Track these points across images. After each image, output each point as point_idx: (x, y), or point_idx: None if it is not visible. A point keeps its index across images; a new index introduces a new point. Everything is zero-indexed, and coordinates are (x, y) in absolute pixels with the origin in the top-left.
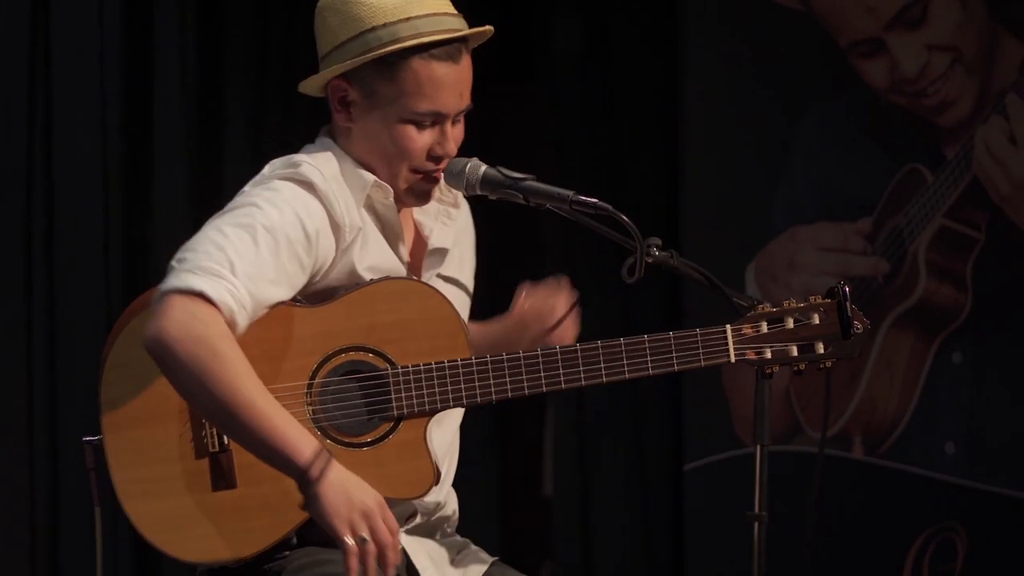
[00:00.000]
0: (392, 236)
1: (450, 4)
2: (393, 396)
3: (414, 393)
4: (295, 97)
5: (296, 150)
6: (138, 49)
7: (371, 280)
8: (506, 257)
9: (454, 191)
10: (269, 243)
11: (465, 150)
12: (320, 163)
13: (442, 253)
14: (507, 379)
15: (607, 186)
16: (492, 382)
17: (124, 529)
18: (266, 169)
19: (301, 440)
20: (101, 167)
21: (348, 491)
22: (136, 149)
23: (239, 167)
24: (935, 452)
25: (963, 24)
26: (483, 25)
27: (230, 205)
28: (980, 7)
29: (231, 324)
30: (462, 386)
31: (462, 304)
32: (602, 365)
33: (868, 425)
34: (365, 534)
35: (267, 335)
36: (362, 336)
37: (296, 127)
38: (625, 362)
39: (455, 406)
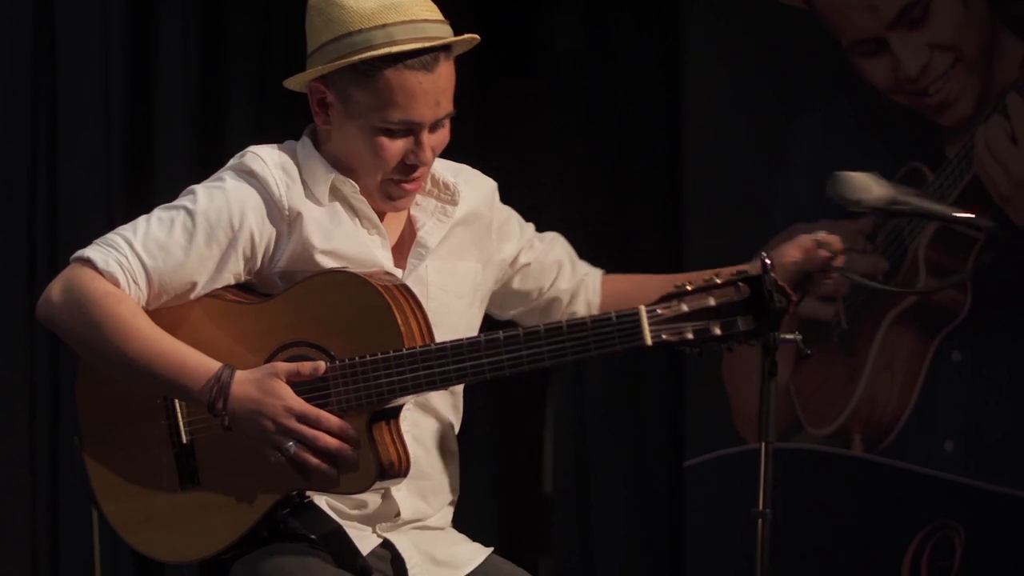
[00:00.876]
0: (369, 227)
1: (434, 10)
2: (332, 391)
3: (352, 387)
4: (298, 94)
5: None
6: (141, 45)
7: (315, 273)
8: None
9: (452, 188)
10: (186, 225)
11: (466, 147)
12: (266, 153)
13: (426, 248)
14: (435, 369)
15: (607, 184)
16: (422, 373)
17: None
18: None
19: (198, 378)
20: (104, 164)
21: (254, 411)
22: (139, 146)
23: None
24: (934, 450)
25: (965, 23)
26: (482, 26)
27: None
28: (982, 6)
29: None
30: (395, 378)
31: (463, 285)
32: (523, 351)
33: (868, 423)
34: (287, 443)
35: (215, 332)
36: (306, 330)
37: (299, 123)
38: (545, 348)
39: (390, 398)
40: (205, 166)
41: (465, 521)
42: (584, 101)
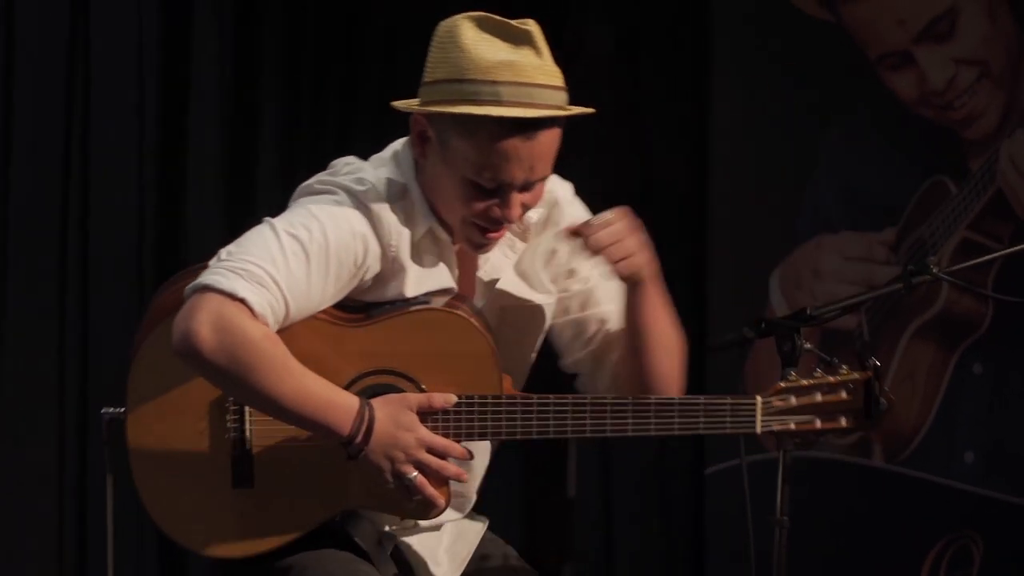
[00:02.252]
0: (448, 262)
1: (553, 76)
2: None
3: (440, 422)
4: (328, 106)
5: (326, 160)
6: (175, 61)
7: (417, 307)
8: None
9: (525, 223)
10: (320, 261)
11: None
12: (383, 186)
13: (491, 284)
14: (534, 421)
15: (635, 192)
16: (519, 421)
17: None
18: (328, 174)
19: (342, 417)
20: (137, 170)
21: (388, 445)
22: (170, 149)
23: (271, 175)
24: (954, 461)
25: (991, 38)
26: None
27: (292, 206)
28: (1009, 22)
29: None
30: (488, 421)
31: (533, 318)
32: (630, 420)
33: (888, 433)
34: (411, 474)
35: (310, 348)
36: (398, 361)
37: (328, 134)
38: (653, 420)
39: (477, 439)
40: (236, 169)
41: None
42: (612, 110)
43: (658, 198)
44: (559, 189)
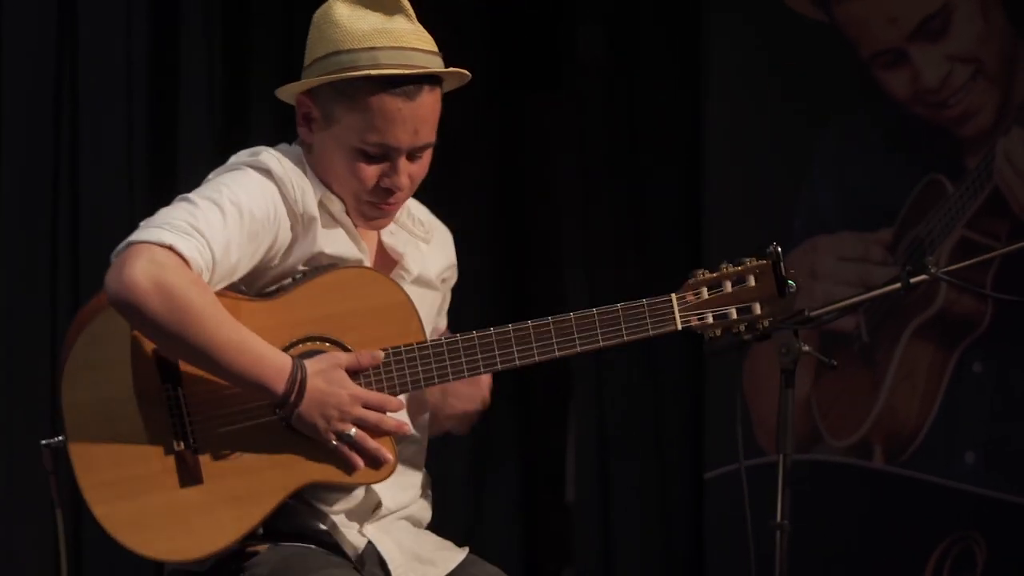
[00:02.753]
0: (349, 232)
1: (427, 41)
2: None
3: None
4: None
5: None
6: (164, 50)
7: (324, 269)
8: (524, 261)
9: (427, 225)
10: (234, 216)
11: (490, 156)
12: (281, 154)
13: (408, 272)
14: (463, 359)
15: (630, 194)
16: (448, 363)
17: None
18: (231, 159)
19: (277, 373)
20: (126, 161)
21: (321, 402)
22: (160, 143)
23: None
24: (955, 461)
25: (985, 35)
26: (506, 37)
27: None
28: (1002, 19)
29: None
30: (419, 369)
31: (429, 313)
32: (554, 340)
33: (889, 434)
34: (350, 430)
35: None
36: (319, 326)
37: None
38: (576, 336)
39: (413, 389)
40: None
41: (487, 530)
42: (606, 112)
43: (653, 198)
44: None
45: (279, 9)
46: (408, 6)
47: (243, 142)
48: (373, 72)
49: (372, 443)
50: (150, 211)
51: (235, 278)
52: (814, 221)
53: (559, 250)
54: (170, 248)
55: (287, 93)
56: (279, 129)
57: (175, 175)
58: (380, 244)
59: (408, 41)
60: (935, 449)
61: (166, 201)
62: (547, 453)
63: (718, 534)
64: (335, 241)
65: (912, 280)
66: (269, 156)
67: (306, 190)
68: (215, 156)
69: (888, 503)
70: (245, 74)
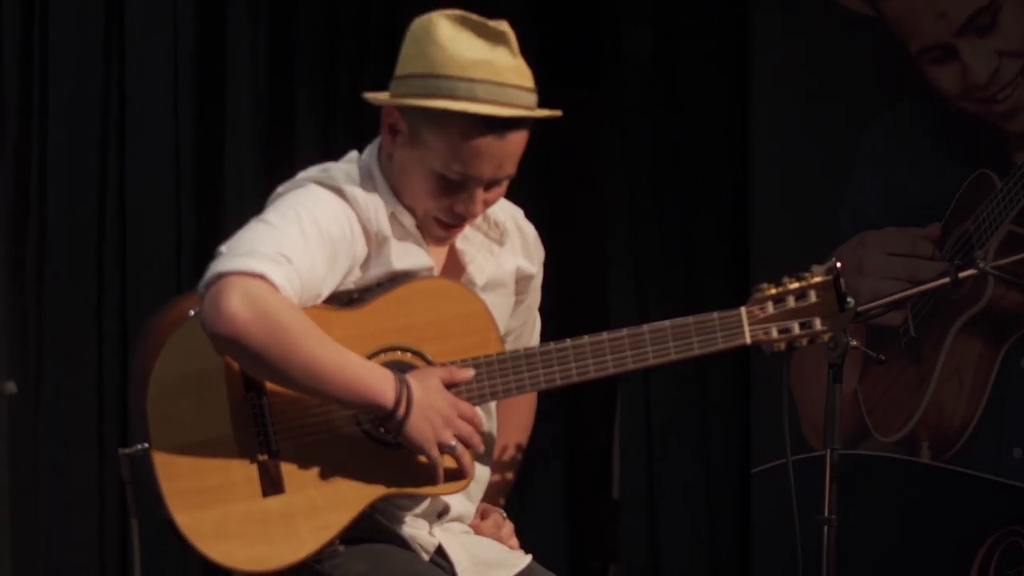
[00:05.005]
0: (420, 245)
1: (526, 77)
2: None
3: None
4: (364, 100)
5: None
6: (211, 49)
7: (402, 281)
8: (571, 263)
9: (501, 227)
10: (315, 239)
11: (531, 155)
12: (349, 171)
13: (473, 284)
14: (540, 371)
15: (674, 192)
16: (527, 374)
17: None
18: (298, 175)
19: (383, 388)
20: (173, 163)
21: (427, 415)
22: (206, 146)
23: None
24: (1003, 457)
25: None
26: (549, 35)
27: (269, 206)
28: None
29: None
30: (498, 380)
31: (501, 319)
32: (628, 353)
33: (936, 430)
34: (453, 442)
35: None
36: (398, 336)
37: (365, 125)
38: (650, 349)
39: (492, 399)
40: (272, 166)
41: (534, 528)
42: (652, 110)
43: (699, 197)
44: (514, 211)
45: (325, 6)
46: (513, 38)
47: (288, 139)
48: (471, 109)
49: (468, 456)
50: (195, 210)
51: (319, 301)
52: (861, 218)
53: (603, 251)
54: (262, 277)
55: (377, 99)
56: (324, 127)
57: (222, 173)
58: (450, 251)
59: (508, 77)
60: (982, 444)
61: (211, 199)
62: (593, 451)
63: (765, 529)
64: (406, 254)
65: (960, 275)
66: (340, 173)
67: (378, 208)
68: (261, 155)
69: (935, 498)
70: (291, 71)
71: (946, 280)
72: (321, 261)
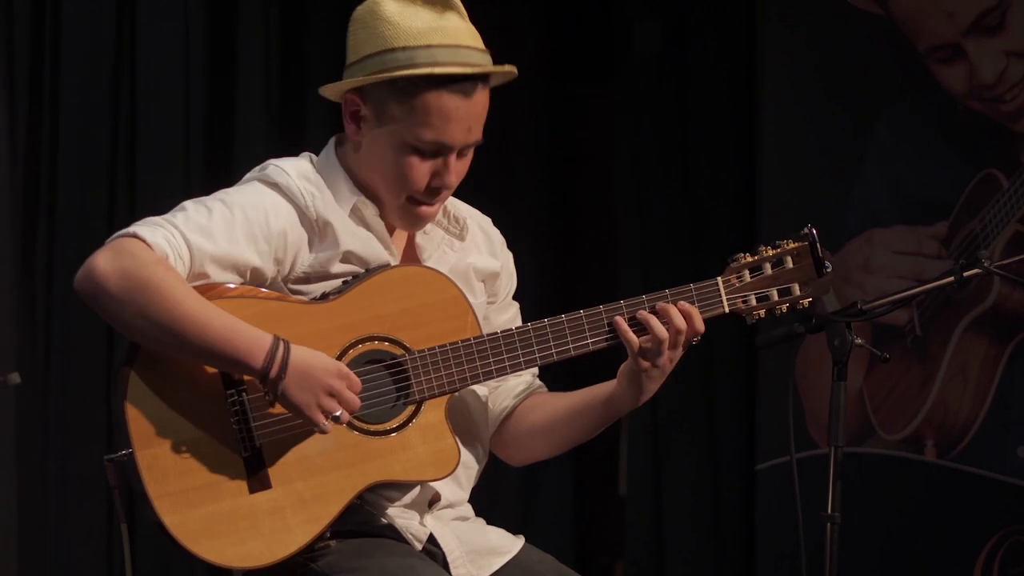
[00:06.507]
0: (381, 238)
1: (477, 38)
2: (413, 381)
3: (432, 375)
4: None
5: None
6: (221, 47)
7: (373, 271)
8: (581, 256)
9: (462, 223)
10: (223, 212)
11: (544, 151)
12: (288, 165)
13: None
14: (519, 352)
15: (682, 187)
16: (505, 356)
17: None
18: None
19: (253, 345)
20: (184, 163)
21: (309, 380)
22: (216, 149)
23: None
24: (1007, 456)
25: None
26: (559, 31)
27: None
28: None
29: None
30: (477, 363)
31: None
32: (607, 325)
33: (941, 428)
34: (337, 410)
35: (285, 333)
36: (374, 326)
37: None
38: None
39: (472, 383)
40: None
41: (540, 523)
42: (661, 106)
43: (707, 192)
44: (480, 218)
45: (336, 1)
46: (459, 2)
47: (299, 132)
48: (436, 71)
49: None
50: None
51: (242, 270)
52: (868, 215)
53: (613, 248)
54: (134, 236)
55: (333, 91)
56: (334, 121)
57: (231, 167)
58: (409, 245)
59: (462, 39)
60: (987, 443)
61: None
62: (599, 446)
63: (769, 526)
64: (363, 243)
65: (966, 274)
66: (275, 169)
67: (317, 195)
68: (271, 149)
69: (939, 497)
70: (302, 65)
71: (951, 279)
72: (227, 232)
